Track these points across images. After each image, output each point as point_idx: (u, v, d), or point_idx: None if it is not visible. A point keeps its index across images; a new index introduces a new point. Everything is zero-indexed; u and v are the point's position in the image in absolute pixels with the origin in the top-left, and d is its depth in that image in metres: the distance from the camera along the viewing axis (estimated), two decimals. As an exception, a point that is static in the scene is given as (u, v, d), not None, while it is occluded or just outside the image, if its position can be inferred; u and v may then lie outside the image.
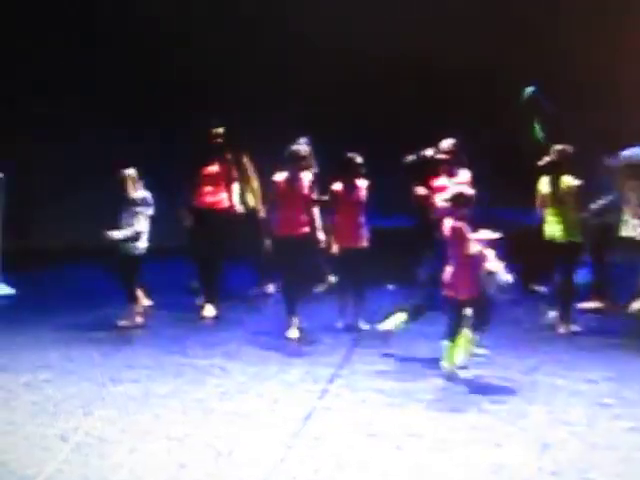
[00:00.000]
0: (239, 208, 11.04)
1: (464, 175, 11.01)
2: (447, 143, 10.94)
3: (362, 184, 10.60)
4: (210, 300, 10.95)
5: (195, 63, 13.94)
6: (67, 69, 13.80)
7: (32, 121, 13.37)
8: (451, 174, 11.02)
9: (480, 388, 8.79)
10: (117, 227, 10.45)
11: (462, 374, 9.06)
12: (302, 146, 10.31)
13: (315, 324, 10.74)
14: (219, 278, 11.04)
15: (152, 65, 13.93)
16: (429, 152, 10.33)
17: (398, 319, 9.73)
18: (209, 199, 10.92)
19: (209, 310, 10.96)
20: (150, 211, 10.56)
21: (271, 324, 10.69)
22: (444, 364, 9.00)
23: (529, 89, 12.27)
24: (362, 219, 10.64)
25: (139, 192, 10.53)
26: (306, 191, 10.23)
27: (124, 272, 10.59)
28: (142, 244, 10.55)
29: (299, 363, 9.47)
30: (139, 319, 10.69)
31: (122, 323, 10.63)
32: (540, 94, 12.13)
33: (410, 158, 10.31)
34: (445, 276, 8.94)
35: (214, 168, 10.88)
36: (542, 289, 11.86)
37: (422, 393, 8.67)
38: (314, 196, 10.34)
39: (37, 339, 10.18)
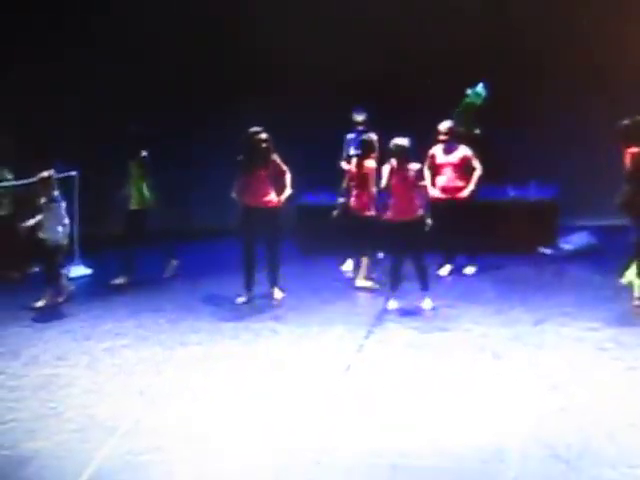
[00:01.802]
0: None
1: (464, 150, 11.21)
2: (445, 124, 11.17)
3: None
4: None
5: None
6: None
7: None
8: (449, 150, 11.21)
9: (495, 338, 8.86)
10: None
11: (477, 328, 9.16)
12: (404, 140, 9.87)
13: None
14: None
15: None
16: None
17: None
18: (259, 198, 10.28)
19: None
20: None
21: (310, 292, 10.71)
22: None
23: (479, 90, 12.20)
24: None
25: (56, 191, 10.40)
26: (415, 179, 9.94)
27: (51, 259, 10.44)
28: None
29: (338, 323, 9.50)
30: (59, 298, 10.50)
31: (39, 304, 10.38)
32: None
33: None
34: None
35: (262, 171, 10.26)
36: (546, 250, 11.95)
37: (445, 344, 8.79)
38: (422, 183, 10.08)
39: (112, 311, 10.24)
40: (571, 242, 11.93)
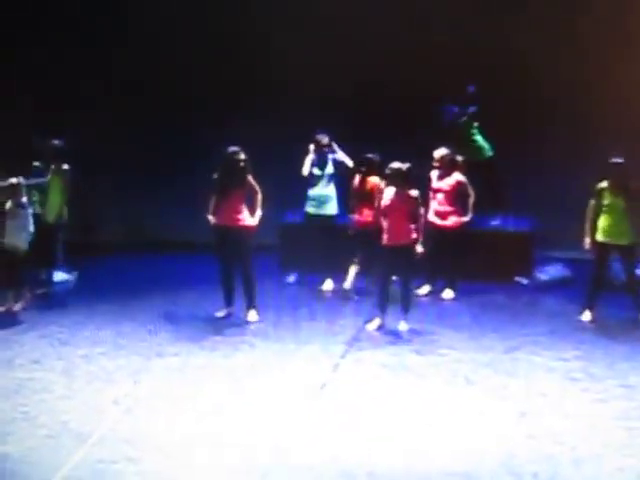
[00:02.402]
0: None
1: (457, 176, 11.22)
2: (439, 152, 11.22)
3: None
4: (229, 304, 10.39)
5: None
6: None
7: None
8: (442, 176, 11.24)
9: (469, 364, 8.84)
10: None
11: (452, 353, 9.14)
12: (405, 164, 9.84)
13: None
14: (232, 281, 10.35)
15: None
16: None
17: None
18: (232, 218, 10.11)
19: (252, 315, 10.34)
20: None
21: (290, 310, 10.60)
22: None
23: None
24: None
25: (24, 198, 10.25)
26: (412, 205, 9.86)
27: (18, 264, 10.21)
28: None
29: (315, 341, 9.46)
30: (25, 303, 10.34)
31: (17, 307, 10.23)
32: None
33: None
34: None
35: (237, 191, 10.10)
36: (522, 280, 11.95)
37: (419, 367, 8.76)
38: (420, 210, 9.91)
39: (92, 319, 10.11)
40: (546, 273, 11.95)
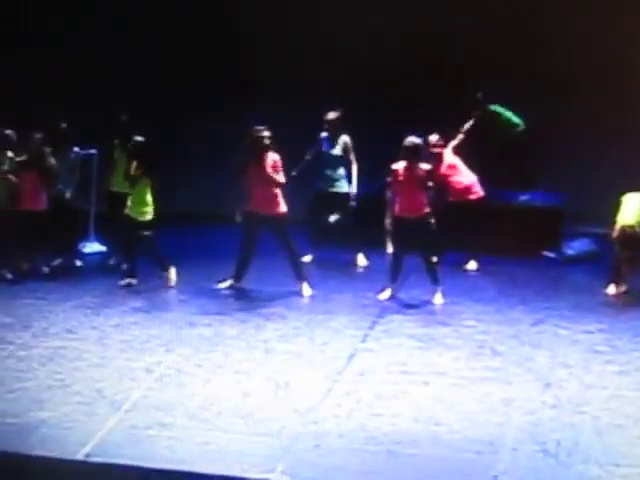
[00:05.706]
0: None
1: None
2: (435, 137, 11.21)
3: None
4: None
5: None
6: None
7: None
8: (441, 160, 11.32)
9: (495, 335, 8.96)
10: None
11: (478, 325, 9.26)
12: (418, 139, 9.96)
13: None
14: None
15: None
16: None
17: None
18: (266, 203, 10.12)
19: None
20: None
21: (320, 281, 10.60)
22: None
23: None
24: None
25: None
26: (423, 178, 9.94)
27: None
28: None
29: (345, 312, 9.59)
30: None
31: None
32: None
33: None
34: None
35: (264, 170, 10.02)
36: (550, 254, 12.03)
37: (446, 338, 8.89)
38: (430, 182, 10.01)
39: (124, 288, 10.24)
40: (574, 248, 12.01)
